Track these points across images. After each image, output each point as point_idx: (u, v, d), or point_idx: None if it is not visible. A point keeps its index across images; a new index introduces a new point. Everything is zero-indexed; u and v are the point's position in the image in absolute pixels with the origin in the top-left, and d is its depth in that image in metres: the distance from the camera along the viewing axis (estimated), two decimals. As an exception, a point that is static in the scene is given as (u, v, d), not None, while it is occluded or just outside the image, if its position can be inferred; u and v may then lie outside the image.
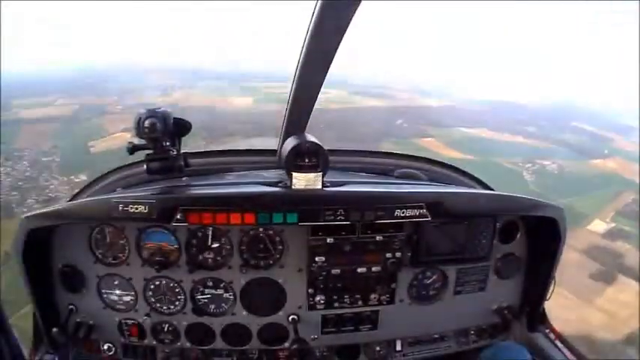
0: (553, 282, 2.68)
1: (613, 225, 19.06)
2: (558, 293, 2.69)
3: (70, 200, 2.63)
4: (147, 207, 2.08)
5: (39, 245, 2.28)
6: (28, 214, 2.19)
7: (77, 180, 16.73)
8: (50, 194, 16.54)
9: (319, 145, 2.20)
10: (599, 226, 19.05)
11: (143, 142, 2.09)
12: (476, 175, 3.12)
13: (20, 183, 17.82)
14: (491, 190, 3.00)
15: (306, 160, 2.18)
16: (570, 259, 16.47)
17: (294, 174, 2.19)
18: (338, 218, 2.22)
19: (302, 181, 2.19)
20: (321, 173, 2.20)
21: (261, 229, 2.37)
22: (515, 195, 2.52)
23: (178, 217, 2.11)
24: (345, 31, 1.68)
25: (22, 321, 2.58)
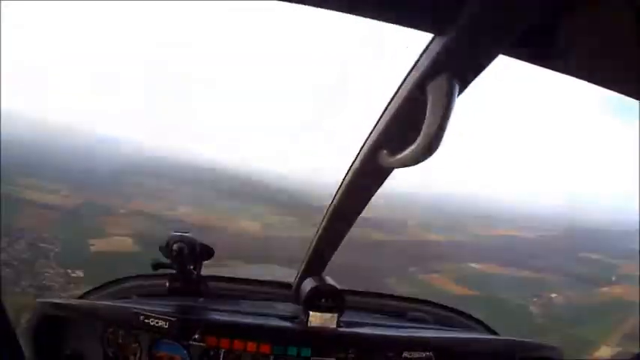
0: None
1: (619, 349, 18.70)
2: None
3: (81, 297, 2.71)
4: (167, 323, 2.18)
5: (48, 328, 2.32)
6: (42, 299, 2.31)
7: (73, 275, 16.79)
8: (45, 282, 16.43)
9: (338, 289, 2.36)
10: (604, 352, 18.76)
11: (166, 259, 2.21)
12: (480, 318, 3.27)
13: (15, 262, 17.72)
14: (495, 332, 3.13)
15: (324, 301, 2.32)
16: (576, 391, 16.34)
17: (312, 313, 2.33)
18: (349, 356, 2.32)
19: (318, 320, 2.33)
20: (337, 314, 2.34)
21: (272, 357, 2.41)
22: (516, 339, 2.67)
23: (196, 337, 2.21)
24: (391, 171, 1.66)
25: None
